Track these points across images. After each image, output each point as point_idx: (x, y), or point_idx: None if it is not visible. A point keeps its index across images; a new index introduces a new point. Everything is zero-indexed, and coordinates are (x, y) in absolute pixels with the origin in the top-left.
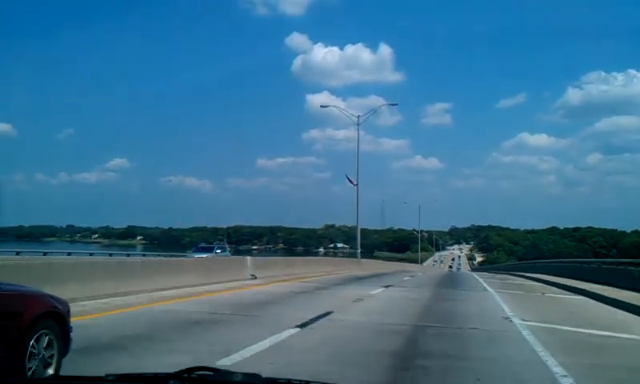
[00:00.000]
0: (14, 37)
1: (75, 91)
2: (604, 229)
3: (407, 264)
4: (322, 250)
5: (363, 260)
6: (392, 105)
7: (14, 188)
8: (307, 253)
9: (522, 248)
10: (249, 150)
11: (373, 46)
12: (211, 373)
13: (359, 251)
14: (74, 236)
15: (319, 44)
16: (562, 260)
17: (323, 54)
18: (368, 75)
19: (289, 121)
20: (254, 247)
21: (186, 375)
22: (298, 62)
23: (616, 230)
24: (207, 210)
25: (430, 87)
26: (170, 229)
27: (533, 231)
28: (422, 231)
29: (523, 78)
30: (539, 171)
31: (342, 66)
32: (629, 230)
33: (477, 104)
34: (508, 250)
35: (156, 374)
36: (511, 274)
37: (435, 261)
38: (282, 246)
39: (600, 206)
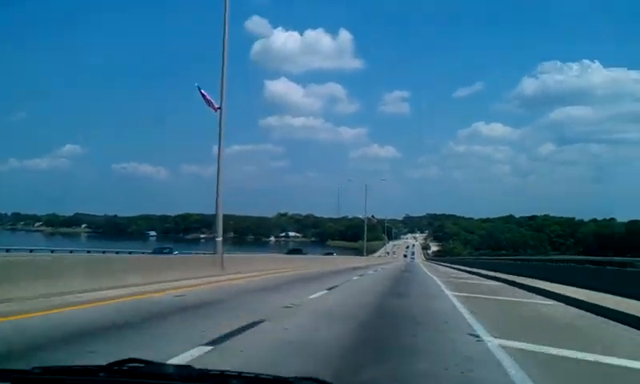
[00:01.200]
0: None
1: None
2: (560, 217)
3: (352, 258)
4: (272, 238)
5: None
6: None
7: None
8: (257, 241)
9: (478, 237)
10: (203, 137)
11: (333, 32)
12: (142, 365)
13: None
14: (16, 224)
15: (279, 28)
16: (523, 258)
17: (283, 39)
18: (328, 61)
19: (246, 107)
20: (202, 236)
21: (116, 367)
22: (257, 46)
23: (573, 218)
24: (157, 198)
25: (389, 75)
26: (116, 216)
27: (488, 220)
28: (374, 217)
29: (481, 67)
30: (494, 160)
31: (301, 52)
32: (586, 219)
33: (434, 93)
34: (464, 240)
35: (86, 367)
36: (469, 271)
37: (387, 251)
38: (232, 234)
39: (553, 195)
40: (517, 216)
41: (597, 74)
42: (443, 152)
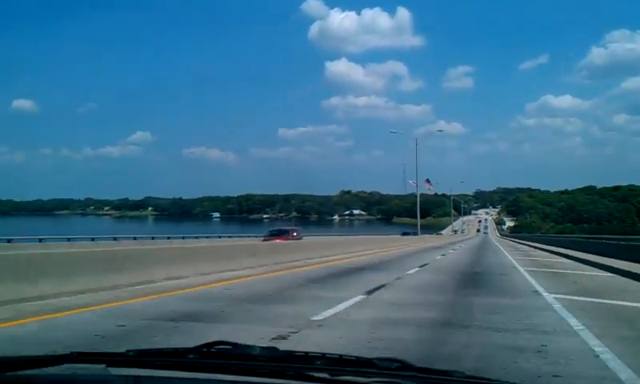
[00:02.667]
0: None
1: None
2: None
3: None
4: (336, 217)
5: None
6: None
7: (37, 163)
8: (321, 221)
9: (557, 210)
10: (270, 120)
11: (391, 10)
12: (230, 346)
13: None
14: (86, 209)
15: (336, 9)
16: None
17: (340, 20)
18: (387, 40)
19: (308, 89)
20: (266, 216)
21: (205, 349)
22: (314, 28)
23: None
24: (221, 180)
25: (451, 50)
26: (181, 199)
27: (567, 191)
28: (429, 183)
29: (546, 39)
30: (565, 133)
31: (359, 31)
32: None
33: (499, 66)
34: (541, 213)
35: (176, 349)
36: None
37: (456, 229)
38: (295, 214)
39: (631, 164)
40: (598, 187)
41: None
42: (512, 126)
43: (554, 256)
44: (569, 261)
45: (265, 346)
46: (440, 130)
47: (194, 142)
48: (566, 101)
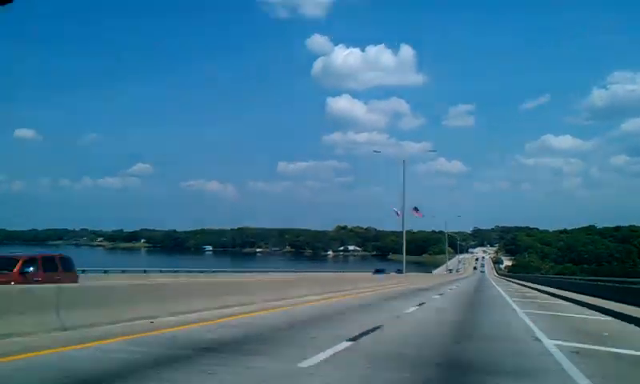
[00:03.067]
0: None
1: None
2: None
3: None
4: (330, 252)
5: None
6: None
7: (37, 192)
8: (315, 256)
9: (556, 249)
10: (270, 154)
11: (394, 47)
12: None
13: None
14: (79, 240)
15: (340, 45)
16: None
17: (344, 56)
18: (389, 77)
19: (310, 124)
20: (259, 250)
21: None
22: (318, 64)
23: None
24: (219, 213)
25: (452, 88)
26: (175, 231)
27: (566, 231)
28: (441, 232)
29: (547, 78)
30: (565, 173)
31: (363, 68)
32: None
33: (500, 105)
34: (540, 252)
35: None
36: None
37: (450, 268)
38: (288, 248)
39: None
40: (599, 227)
41: None
42: (511, 165)
43: (582, 309)
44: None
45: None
46: (433, 151)
47: (194, 175)
48: (566, 141)
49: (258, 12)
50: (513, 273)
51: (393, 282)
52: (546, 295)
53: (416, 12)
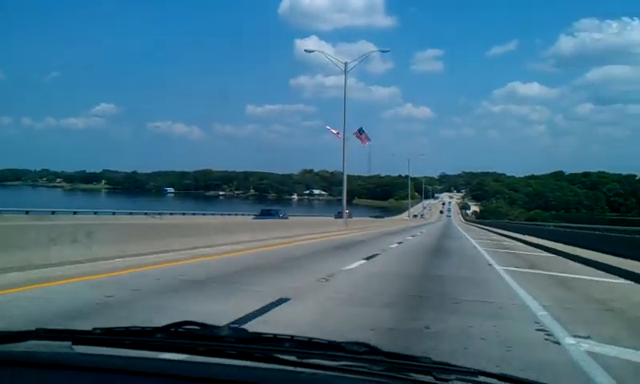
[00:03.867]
0: None
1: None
2: (619, 174)
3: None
4: (295, 196)
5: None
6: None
7: None
8: (279, 199)
9: (524, 196)
10: (236, 96)
11: None
12: (198, 327)
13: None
14: (38, 181)
15: None
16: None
17: None
18: (358, 19)
19: (277, 66)
20: (221, 193)
21: (173, 329)
22: (285, 3)
23: (634, 176)
24: (186, 155)
25: (421, 33)
26: (135, 173)
27: (534, 177)
28: (407, 176)
29: (515, 25)
30: (531, 120)
31: (331, 9)
32: None
33: (468, 51)
34: (507, 198)
35: (143, 328)
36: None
37: (415, 214)
38: (252, 192)
39: (602, 152)
40: (567, 172)
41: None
42: (479, 112)
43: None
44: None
45: (233, 326)
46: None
47: (160, 116)
48: (532, 88)
49: None
50: (481, 219)
51: (330, 230)
52: (529, 247)
53: None
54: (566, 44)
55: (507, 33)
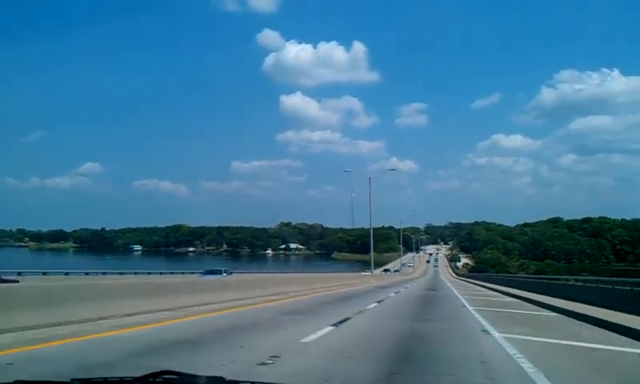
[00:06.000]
0: None
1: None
2: (623, 219)
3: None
4: (269, 251)
5: None
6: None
7: None
8: (253, 255)
9: (519, 245)
10: (223, 153)
11: (347, 44)
12: (175, 376)
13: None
14: (7, 240)
15: (292, 41)
16: None
17: (296, 52)
18: (342, 74)
19: (263, 122)
20: (191, 249)
21: (151, 379)
22: (270, 60)
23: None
24: (150, 208)
25: (405, 87)
26: (103, 229)
27: (528, 224)
28: (391, 227)
29: (498, 78)
30: (515, 172)
31: (315, 65)
32: None
33: (452, 104)
34: (501, 248)
35: (122, 378)
36: None
37: (387, 269)
38: (225, 247)
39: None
40: (565, 218)
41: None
42: (464, 164)
43: None
44: None
45: (211, 376)
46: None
47: (147, 174)
48: (516, 140)
49: (207, 5)
50: (476, 272)
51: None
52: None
53: (368, 10)
54: (547, 96)
55: (490, 86)
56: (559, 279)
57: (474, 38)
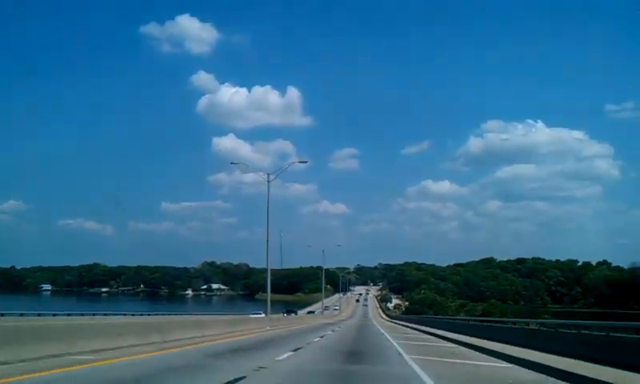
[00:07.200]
0: None
1: None
2: (557, 260)
3: None
4: (189, 292)
5: None
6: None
7: None
8: (172, 295)
9: (452, 285)
10: (153, 194)
11: (281, 89)
12: None
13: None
14: None
15: (226, 84)
16: None
17: (230, 95)
18: (276, 118)
19: (195, 163)
20: (104, 290)
21: None
22: (203, 101)
23: (576, 261)
24: (66, 247)
25: (338, 132)
26: (13, 268)
27: (460, 265)
28: (319, 267)
29: (428, 126)
30: (443, 217)
31: (249, 108)
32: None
33: (383, 150)
34: (434, 288)
35: None
36: None
37: (290, 310)
38: (142, 287)
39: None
40: (498, 259)
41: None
42: (394, 208)
43: None
44: None
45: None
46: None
47: (72, 214)
48: (444, 186)
49: (142, 46)
50: (411, 314)
51: None
52: None
53: (302, 56)
54: (475, 144)
55: (420, 133)
56: (512, 323)
57: (405, 86)
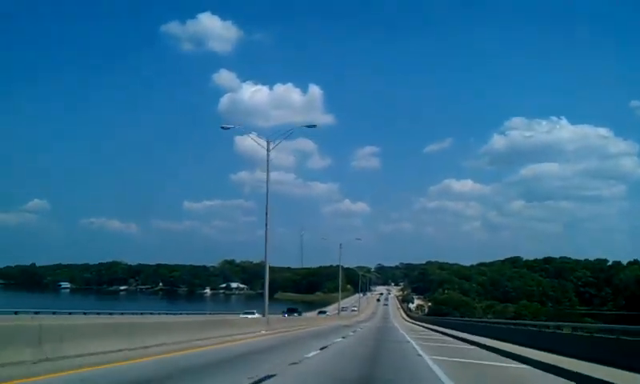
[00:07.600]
0: None
1: None
2: (586, 260)
3: None
4: (208, 290)
5: None
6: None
7: None
8: (191, 294)
9: (476, 285)
10: (177, 191)
11: (303, 87)
12: None
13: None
14: None
15: (248, 82)
16: None
17: (251, 93)
18: (297, 116)
19: (217, 161)
20: (122, 288)
21: None
22: (225, 100)
23: (605, 260)
24: (86, 244)
25: (359, 130)
26: (33, 265)
27: (484, 264)
28: (339, 266)
29: (450, 124)
30: (466, 216)
31: (270, 106)
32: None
33: (405, 148)
34: (458, 288)
35: None
36: None
37: (323, 311)
38: (162, 286)
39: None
40: (524, 258)
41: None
42: (416, 207)
43: None
44: None
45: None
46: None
47: (95, 212)
48: (467, 185)
49: (163, 45)
50: (435, 315)
51: None
52: None
53: (323, 54)
54: (498, 142)
55: (442, 131)
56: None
57: (428, 84)
